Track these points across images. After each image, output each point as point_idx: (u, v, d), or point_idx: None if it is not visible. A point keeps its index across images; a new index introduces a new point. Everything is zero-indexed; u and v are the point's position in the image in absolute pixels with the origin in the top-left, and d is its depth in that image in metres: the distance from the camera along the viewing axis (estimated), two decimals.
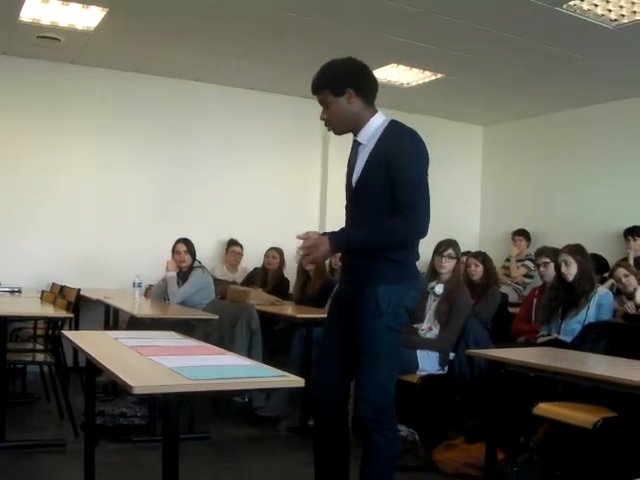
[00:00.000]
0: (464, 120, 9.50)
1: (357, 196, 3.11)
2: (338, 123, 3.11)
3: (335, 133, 3.17)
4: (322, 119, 3.14)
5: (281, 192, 8.46)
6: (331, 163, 8.49)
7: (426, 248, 5.13)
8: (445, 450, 4.37)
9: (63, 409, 5.08)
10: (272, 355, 5.56)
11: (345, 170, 3.21)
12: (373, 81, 3.14)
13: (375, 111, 3.12)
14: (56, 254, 7.25)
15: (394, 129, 3.06)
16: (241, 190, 8.27)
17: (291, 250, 6.91)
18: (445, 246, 5.06)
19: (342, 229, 3.23)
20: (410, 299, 3.08)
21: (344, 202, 3.24)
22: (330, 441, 3.19)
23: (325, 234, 3.09)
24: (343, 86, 3.04)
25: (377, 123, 3.09)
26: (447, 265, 5.01)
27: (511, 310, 6.10)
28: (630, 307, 4.91)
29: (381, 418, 3.00)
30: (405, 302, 3.05)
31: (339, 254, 4.12)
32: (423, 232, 3.01)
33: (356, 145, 3.15)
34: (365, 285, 3.01)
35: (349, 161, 3.19)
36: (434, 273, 5.08)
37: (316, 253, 3.00)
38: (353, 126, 3.11)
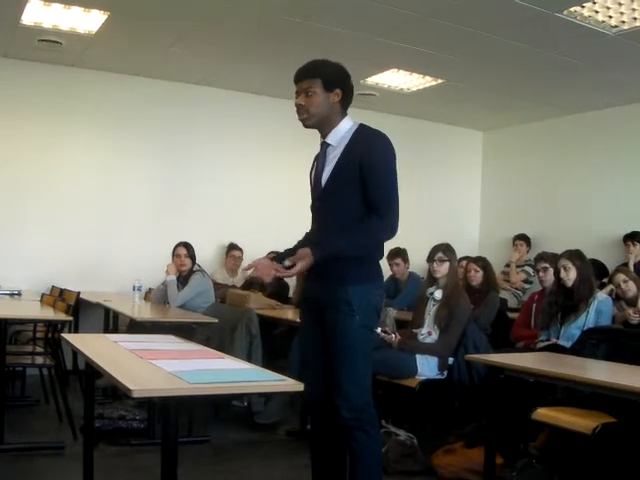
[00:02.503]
0: (464, 125, 9.51)
1: (326, 196, 3.13)
2: (314, 115, 3.11)
3: (305, 124, 3.15)
4: (299, 105, 3.11)
5: (281, 196, 8.45)
6: None
7: (426, 254, 5.18)
8: (444, 455, 4.37)
9: (62, 412, 5.08)
10: (271, 359, 5.56)
11: None
12: (353, 92, 3.20)
13: (345, 115, 3.16)
14: (56, 257, 7.26)
15: (365, 133, 3.09)
16: (241, 194, 8.28)
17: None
18: (435, 251, 5.09)
19: (306, 234, 3.33)
20: (379, 298, 3.14)
21: None
22: (326, 441, 3.22)
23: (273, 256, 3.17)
24: (335, 85, 3.09)
25: (347, 126, 3.13)
26: (440, 269, 5.02)
27: (510, 315, 6.10)
28: (633, 316, 4.90)
29: (362, 416, 3.02)
30: (374, 301, 3.10)
31: None
32: (396, 230, 3.03)
33: (324, 146, 3.18)
34: (334, 285, 3.03)
35: (317, 162, 3.21)
36: (432, 279, 5.10)
37: (300, 266, 2.95)
38: (324, 124, 3.14)
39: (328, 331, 3.08)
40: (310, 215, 3.27)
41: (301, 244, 3.27)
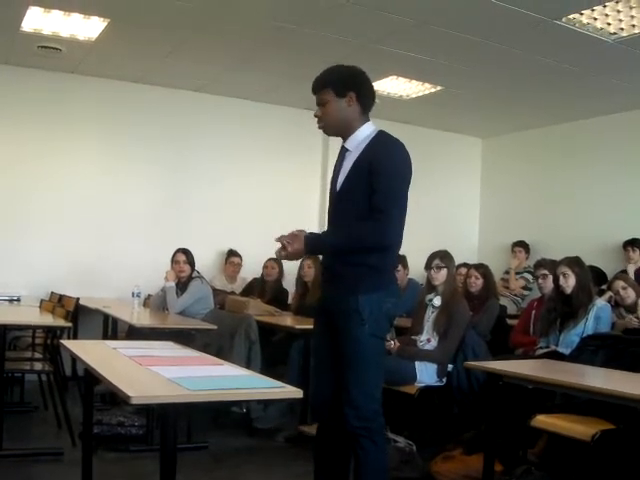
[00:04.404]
0: (463, 132, 9.53)
1: (340, 201, 3.16)
2: (332, 123, 3.15)
3: (325, 133, 3.22)
4: (316, 116, 3.17)
5: (281, 202, 8.47)
6: (331, 173, 8.47)
7: (425, 261, 5.20)
8: (443, 461, 4.36)
9: (61, 418, 5.07)
10: (270, 366, 5.56)
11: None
12: (373, 92, 3.21)
13: (367, 120, 3.18)
14: (55, 263, 7.26)
15: (381, 139, 3.11)
16: (241, 200, 8.29)
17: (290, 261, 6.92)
18: (432, 258, 5.12)
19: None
20: (391, 306, 3.12)
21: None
22: (331, 450, 3.22)
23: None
24: (346, 88, 3.11)
25: (366, 132, 3.14)
26: (438, 276, 5.05)
27: (509, 322, 6.09)
28: (634, 321, 4.92)
29: (370, 425, 3.02)
30: (386, 309, 3.09)
31: None
32: (392, 239, 3.03)
33: (343, 151, 3.21)
34: (346, 293, 3.03)
35: (335, 166, 3.25)
36: (431, 286, 5.11)
37: (290, 249, 3.01)
38: (344, 130, 3.16)
39: (339, 339, 3.08)
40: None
41: None
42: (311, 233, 3.11)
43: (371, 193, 2.98)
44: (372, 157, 3.02)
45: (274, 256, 7.44)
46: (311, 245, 3.04)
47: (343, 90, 3.10)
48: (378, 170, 2.99)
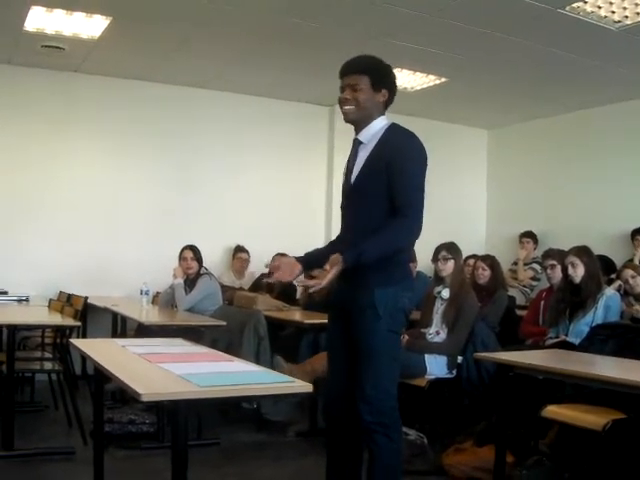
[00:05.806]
0: (469, 124, 9.50)
1: (354, 194, 3.13)
2: (358, 110, 3.09)
3: (346, 117, 3.14)
4: (345, 98, 3.10)
5: (287, 197, 8.47)
6: (337, 167, 8.48)
7: (431, 254, 5.19)
8: (454, 454, 4.36)
9: (72, 417, 5.08)
10: None
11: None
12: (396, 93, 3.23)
13: (383, 114, 3.18)
14: (63, 262, 7.27)
15: (394, 131, 3.09)
16: (247, 196, 8.28)
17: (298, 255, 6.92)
18: (439, 250, 5.13)
19: (334, 241, 3.32)
20: (406, 300, 3.10)
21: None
22: (343, 444, 3.21)
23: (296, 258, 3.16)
24: (382, 84, 3.12)
25: (380, 125, 3.13)
26: (445, 267, 5.04)
27: (519, 313, 6.09)
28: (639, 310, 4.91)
29: (385, 420, 3.01)
30: (402, 303, 3.07)
31: None
32: (420, 231, 3.00)
33: (356, 144, 3.18)
34: (361, 288, 3.00)
35: (348, 160, 3.22)
36: (439, 278, 5.10)
37: (331, 275, 2.89)
38: (363, 121, 3.13)
39: (354, 334, 3.07)
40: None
41: (331, 246, 3.29)
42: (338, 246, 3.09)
43: (391, 188, 2.97)
44: (387, 152, 3.01)
45: (282, 251, 7.49)
46: (351, 263, 2.90)
47: (379, 84, 3.10)
48: (396, 166, 2.97)
